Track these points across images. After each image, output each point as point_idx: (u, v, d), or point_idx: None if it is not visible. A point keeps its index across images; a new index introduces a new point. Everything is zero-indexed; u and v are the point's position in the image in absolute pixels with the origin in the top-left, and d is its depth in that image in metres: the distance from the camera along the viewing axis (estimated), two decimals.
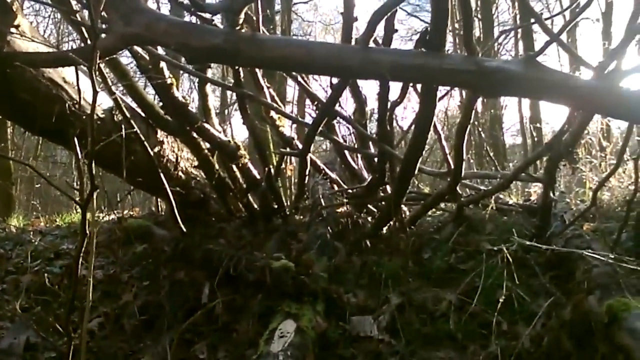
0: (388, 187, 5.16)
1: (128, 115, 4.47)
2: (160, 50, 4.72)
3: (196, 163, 5.51)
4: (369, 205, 5.52)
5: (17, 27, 3.59)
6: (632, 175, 4.82)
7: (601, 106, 2.83)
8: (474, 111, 4.11)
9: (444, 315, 3.90)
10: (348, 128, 5.68)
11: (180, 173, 5.47)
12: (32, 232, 6.03)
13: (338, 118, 5.16)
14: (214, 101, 5.79)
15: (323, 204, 5.38)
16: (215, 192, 5.72)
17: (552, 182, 4.44)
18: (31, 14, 15.75)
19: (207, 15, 3.43)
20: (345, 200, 5.51)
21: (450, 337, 3.75)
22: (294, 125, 6.37)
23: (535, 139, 13.02)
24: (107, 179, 6.69)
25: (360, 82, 5.04)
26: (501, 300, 3.65)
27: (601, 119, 5.79)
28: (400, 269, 4.42)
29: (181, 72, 5.67)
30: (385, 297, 4.14)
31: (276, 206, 5.65)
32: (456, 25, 16.32)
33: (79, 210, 3.88)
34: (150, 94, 5.64)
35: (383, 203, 5.19)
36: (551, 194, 4.47)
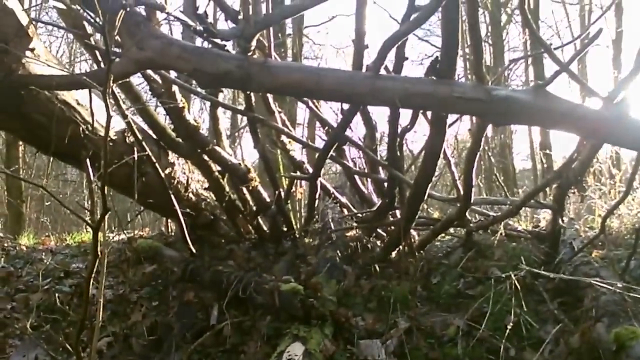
0: (397, 212, 5.17)
1: (140, 137, 4.51)
2: (173, 74, 4.76)
3: (207, 185, 5.54)
4: (378, 230, 5.53)
5: (32, 50, 3.64)
6: None
7: (609, 135, 2.86)
8: (484, 137, 4.13)
9: (451, 341, 3.91)
10: (358, 152, 5.70)
11: (190, 195, 5.50)
12: (42, 251, 6.06)
13: (348, 142, 5.18)
14: (225, 123, 5.82)
15: (332, 227, 5.40)
16: (225, 214, 5.74)
17: (561, 209, 4.45)
18: (44, 34, 15.89)
19: (219, 41, 3.47)
20: (354, 224, 5.53)
21: None
22: (305, 149, 6.40)
23: (545, 165, 12.99)
24: (117, 199, 6.73)
25: (371, 107, 5.07)
26: (509, 326, 3.66)
27: (611, 147, 5.80)
28: (408, 293, 4.43)
29: (192, 95, 5.75)
30: (394, 322, 4.15)
31: (286, 229, 5.68)
32: (466, 50, 16.37)
33: (89, 229, 3.89)
34: (161, 114, 5.68)
35: (392, 228, 5.20)
36: (560, 221, 4.48)
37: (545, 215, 5.38)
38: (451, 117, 3.93)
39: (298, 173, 5.71)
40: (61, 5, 3.86)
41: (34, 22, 3.76)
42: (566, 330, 3.66)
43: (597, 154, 4.89)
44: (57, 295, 4.82)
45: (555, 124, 2.92)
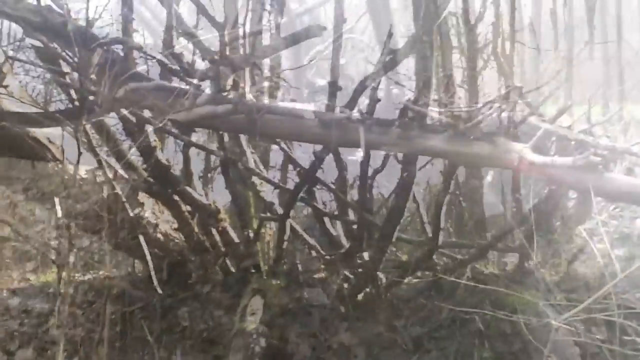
0: (366, 254, 5.15)
1: (110, 176, 4.48)
2: (147, 113, 4.75)
3: (176, 225, 5.49)
4: (346, 272, 5.49)
5: (5, 87, 3.63)
6: None
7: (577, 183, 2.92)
8: (453, 180, 4.17)
9: None
10: (329, 194, 5.68)
11: (159, 235, 5.44)
12: (2, 290, 5.93)
13: (319, 184, 5.17)
14: (199, 164, 5.78)
15: (300, 269, 5.36)
16: (193, 254, 5.68)
17: (527, 253, 4.47)
18: (21, 73, 15.79)
19: (195, 81, 3.49)
20: (322, 266, 5.49)
21: None
22: (276, 190, 6.38)
23: (515, 209, 13.07)
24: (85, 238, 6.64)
25: (342, 149, 5.08)
26: None
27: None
28: (374, 336, 4.41)
29: (166, 134, 5.68)
30: None
31: (253, 270, 5.62)
32: (441, 94, 16.45)
33: (54, 269, 3.85)
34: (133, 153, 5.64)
35: (360, 270, 5.18)
36: (527, 264, 4.50)
37: (512, 259, 5.39)
38: (422, 160, 3.96)
39: (268, 214, 5.68)
40: (38, 43, 3.87)
41: (9, 60, 3.76)
42: None
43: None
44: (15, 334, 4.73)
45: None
